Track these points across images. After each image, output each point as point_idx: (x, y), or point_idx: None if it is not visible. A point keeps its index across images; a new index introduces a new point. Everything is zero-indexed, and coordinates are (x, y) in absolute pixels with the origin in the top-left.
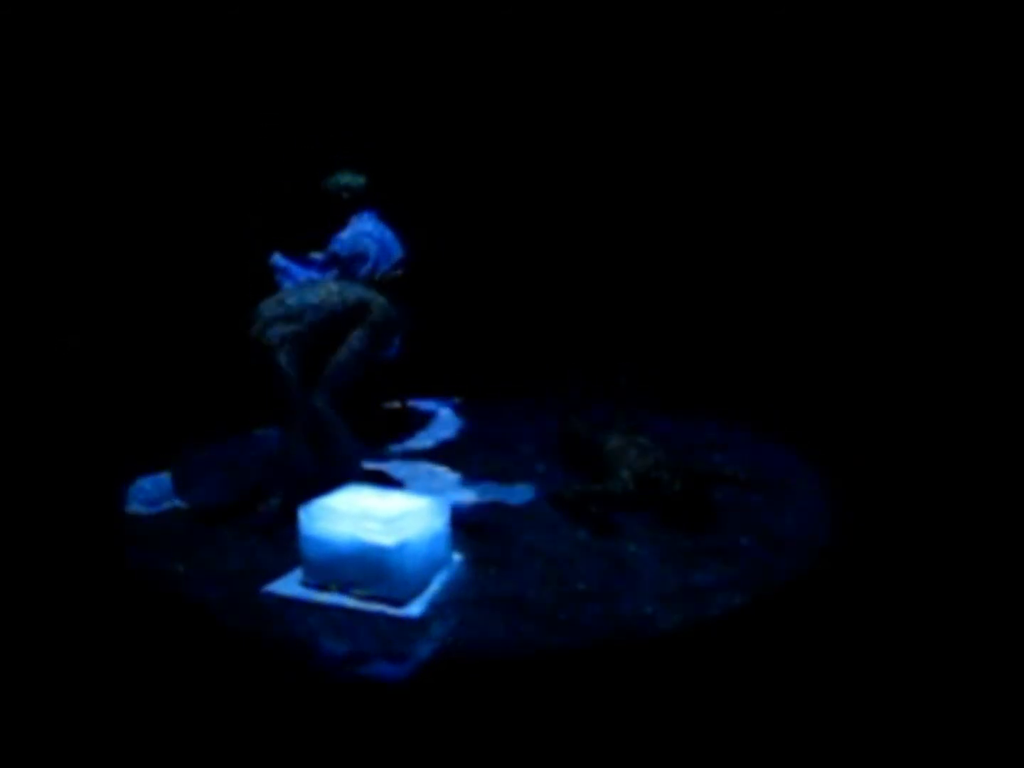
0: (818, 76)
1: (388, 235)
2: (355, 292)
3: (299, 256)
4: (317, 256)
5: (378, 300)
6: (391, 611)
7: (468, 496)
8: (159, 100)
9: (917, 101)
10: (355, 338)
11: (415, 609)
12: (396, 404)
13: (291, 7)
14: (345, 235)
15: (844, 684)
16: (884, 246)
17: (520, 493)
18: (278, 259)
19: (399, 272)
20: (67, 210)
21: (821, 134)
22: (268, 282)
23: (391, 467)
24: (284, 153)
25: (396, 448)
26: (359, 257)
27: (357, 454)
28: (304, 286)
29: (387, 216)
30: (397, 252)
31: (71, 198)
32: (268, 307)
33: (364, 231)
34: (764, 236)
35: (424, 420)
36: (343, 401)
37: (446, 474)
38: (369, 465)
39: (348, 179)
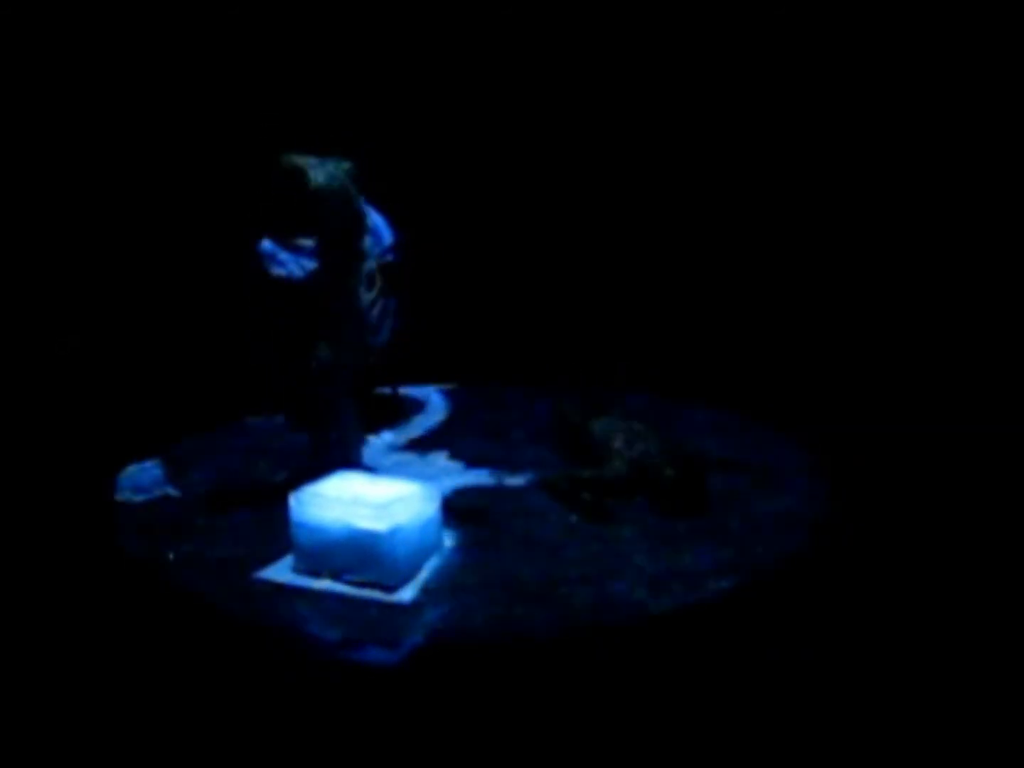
0: (818, 71)
1: (378, 220)
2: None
3: (288, 241)
4: (307, 242)
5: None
6: (382, 597)
7: (460, 481)
8: (150, 96)
9: (917, 97)
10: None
11: (407, 595)
12: (387, 390)
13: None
14: None
15: (835, 667)
16: (871, 230)
17: (512, 478)
18: (266, 245)
19: (389, 257)
20: (57, 203)
21: (804, 125)
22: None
23: (382, 453)
24: (273, 144)
25: (387, 434)
26: None
27: (358, 440)
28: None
29: (377, 201)
30: (387, 237)
31: (61, 190)
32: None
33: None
34: (752, 222)
35: (415, 406)
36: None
37: (437, 460)
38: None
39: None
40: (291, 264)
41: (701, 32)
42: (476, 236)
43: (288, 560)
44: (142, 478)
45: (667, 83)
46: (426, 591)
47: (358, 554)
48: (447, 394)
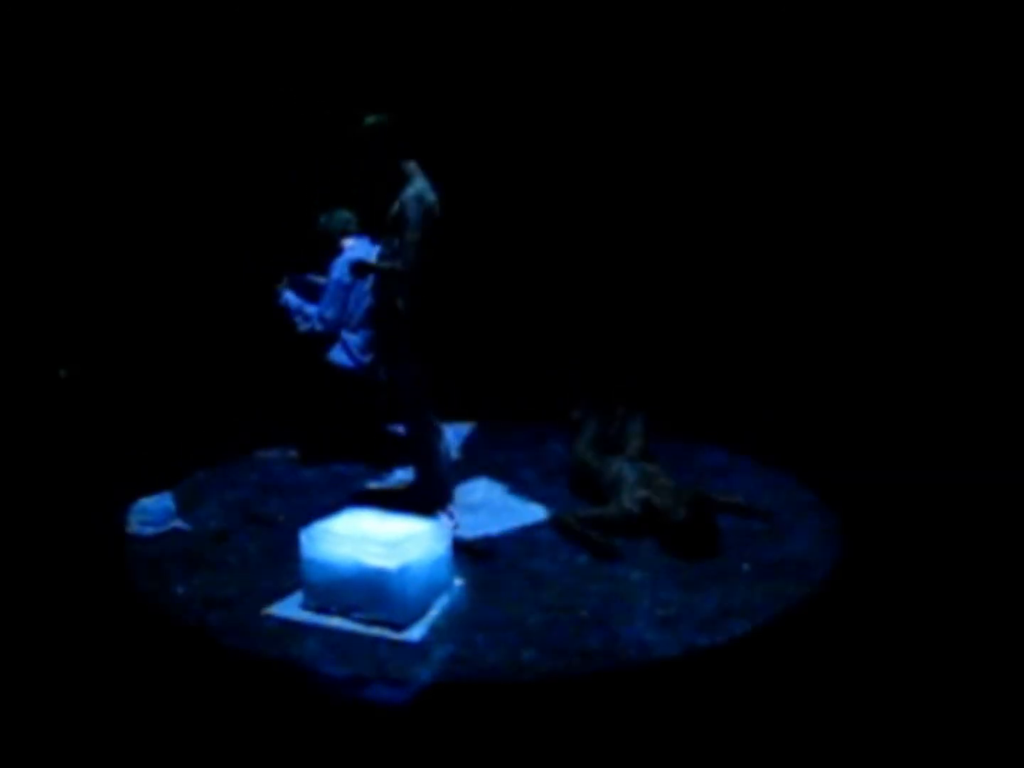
0: (817, 94)
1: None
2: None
3: (303, 283)
4: (320, 279)
5: None
6: (391, 635)
7: (469, 520)
8: (155, 124)
9: (916, 116)
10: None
11: (415, 633)
12: (400, 428)
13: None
14: (341, 261)
15: (845, 711)
16: (884, 271)
17: (522, 518)
18: (290, 298)
19: None
20: (74, 231)
21: (836, 160)
22: (265, 304)
23: (394, 490)
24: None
25: (399, 471)
26: (356, 283)
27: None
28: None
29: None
30: None
31: (69, 220)
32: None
33: (358, 256)
34: (766, 265)
35: None
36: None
37: None
38: (372, 488)
39: (344, 218)
40: (315, 319)
41: (701, 33)
42: (485, 274)
43: (297, 596)
44: (152, 511)
45: (683, 117)
46: (435, 630)
47: (367, 591)
48: (457, 432)
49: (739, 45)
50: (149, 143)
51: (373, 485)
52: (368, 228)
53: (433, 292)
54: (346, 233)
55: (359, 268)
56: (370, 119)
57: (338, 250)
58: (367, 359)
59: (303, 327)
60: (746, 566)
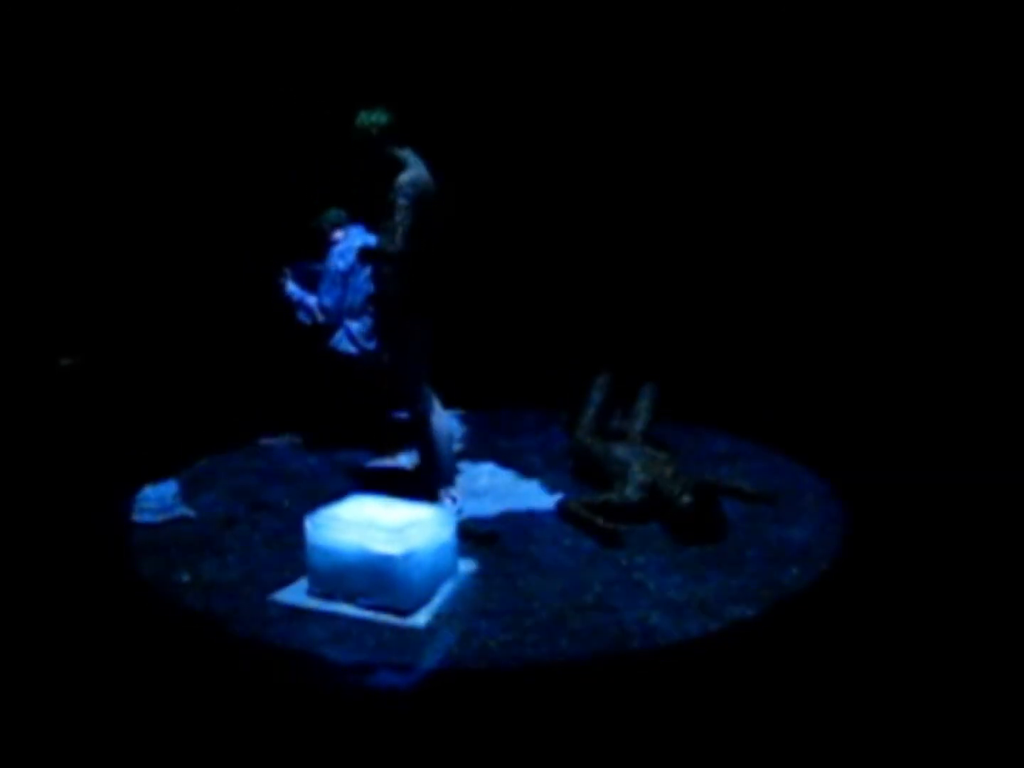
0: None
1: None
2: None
3: (304, 271)
4: (316, 266)
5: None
6: (396, 621)
7: (475, 506)
8: (158, 119)
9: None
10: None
11: (421, 619)
12: (403, 414)
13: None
14: (336, 252)
15: (850, 696)
16: (886, 257)
17: (527, 503)
18: (294, 290)
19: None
20: (73, 225)
21: (851, 152)
22: (267, 292)
23: (398, 477)
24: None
25: (403, 458)
26: (354, 271)
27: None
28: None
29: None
30: None
31: (77, 212)
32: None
33: (355, 243)
34: (772, 251)
35: None
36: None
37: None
38: (375, 473)
39: (334, 215)
40: (316, 310)
41: (701, 33)
42: (489, 259)
43: (303, 583)
44: (157, 498)
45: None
46: (440, 616)
47: (372, 577)
48: (462, 418)
49: (749, 38)
50: (152, 139)
51: (377, 471)
52: (363, 219)
53: (441, 279)
54: (338, 226)
55: (363, 254)
56: (368, 117)
57: (332, 242)
58: (370, 346)
59: (306, 319)
60: (751, 552)
